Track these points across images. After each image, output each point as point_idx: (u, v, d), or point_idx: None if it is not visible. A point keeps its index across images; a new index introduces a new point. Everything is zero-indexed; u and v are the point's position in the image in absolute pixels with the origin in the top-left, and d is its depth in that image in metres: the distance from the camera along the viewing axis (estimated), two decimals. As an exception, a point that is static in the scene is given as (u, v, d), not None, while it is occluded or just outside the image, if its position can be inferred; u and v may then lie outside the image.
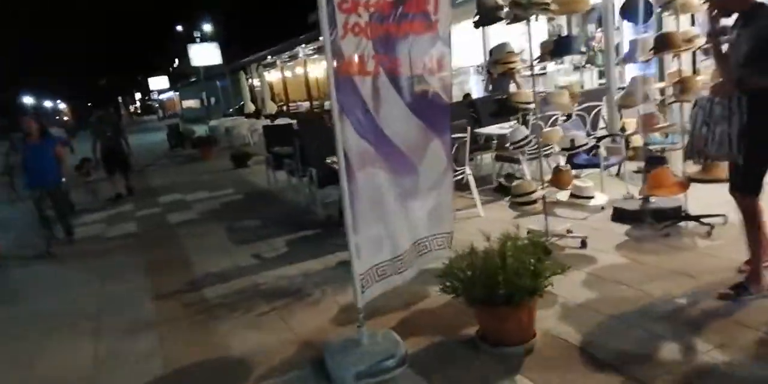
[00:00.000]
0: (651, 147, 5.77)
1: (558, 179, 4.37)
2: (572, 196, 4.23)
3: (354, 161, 2.85)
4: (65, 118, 57.90)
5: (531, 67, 4.17)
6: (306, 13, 23.40)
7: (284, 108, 21.57)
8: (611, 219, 4.87)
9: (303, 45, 17.67)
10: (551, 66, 11.97)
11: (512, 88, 9.24)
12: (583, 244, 4.31)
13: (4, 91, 40.61)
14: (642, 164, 5.79)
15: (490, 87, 9.03)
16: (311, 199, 6.80)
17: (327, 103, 17.78)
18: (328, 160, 5.93)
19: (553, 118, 6.05)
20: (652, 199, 4.87)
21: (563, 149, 4.25)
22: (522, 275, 2.72)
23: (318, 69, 20.13)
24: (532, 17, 4.06)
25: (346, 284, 4.15)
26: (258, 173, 10.20)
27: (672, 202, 4.68)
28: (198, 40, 26.92)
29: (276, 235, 5.86)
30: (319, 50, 17.21)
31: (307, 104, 20.36)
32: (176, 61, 50.55)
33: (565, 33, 11.27)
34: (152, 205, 8.85)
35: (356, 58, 2.83)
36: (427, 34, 3.09)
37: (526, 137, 4.16)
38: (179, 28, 35.32)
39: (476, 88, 12.82)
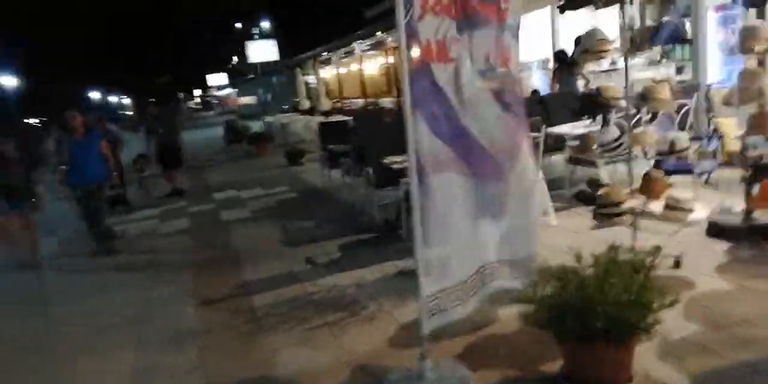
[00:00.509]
0: (751, 153, 5.11)
1: (649, 187, 3.83)
2: (667, 207, 3.69)
3: (427, 163, 2.45)
4: (129, 113, 60.10)
5: (625, 57, 3.66)
6: (363, 8, 23.22)
7: (338, 105, 21.41)
8: (706, 234, 4.27)
9: (359, 41, 17.39)
10: (623, 61, 11.23)
11: (580, 84, 8.65)
12: (677, 264, 3.76)
13: (69, 85, 42.20)
14: (741, 172, 5.16)
15: (557, 84, 8.43)
16: (367, 201, 6.45)
17: (382, 101, 17.48)
18: (386, 160, 5.57)
19: (638, 117, 5.45)
20: (756, 214, 4.25)
21: (661, 153, 3.71)
22: (626, 307, 2.26)
23: (373, 66, 19.81)
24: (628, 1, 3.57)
25: (406, 298, 3.77)
26: (312, 171, 9.95)
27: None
28: (256, 37, 27.20)
29: (330, 238, 5.55)
30: (376, 46, 16.91)
31: (361, 101, 20.10)
32: (235, 58, 51.56)
33: (637, 24, 10.50)
34: (207, 201, 8.74)
35: (435, 43, 2.43)
36: (495, 22, 2.66)
37: (618, 138, 3.66)
38: (238, 25, 35.87)
39: (540, 85, 12.18)
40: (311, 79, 22.41)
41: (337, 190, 7.81)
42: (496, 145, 2.66)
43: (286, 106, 25.54)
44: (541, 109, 6.96)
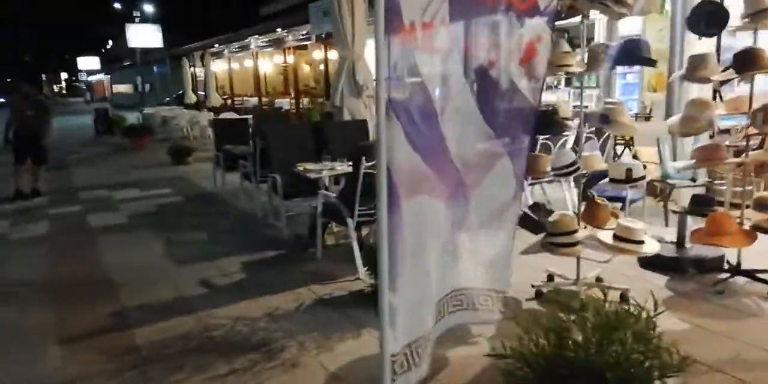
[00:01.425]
0: (670, 181, 5.16)
1: (593, 215, 3.57)
2: (617, 238, 3.43)
3: (401, 184, 1.89)
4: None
5: (581, 76, 3.38)
6: (258, 4, 22.07)
7: (229, 101, 20.13)
8: (640, 265, 4.14)
9: (256, 36, 16.37)
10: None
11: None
12: (624, 298, 3.54)
13: None
14: (662, 202, 5.19)
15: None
16: (271, 211, 5.72)
17: (279, 101, 16.60)
18: (300, 167, 4.92)
19: (563, 139, 5.31)
20: (688, 245, 4.20)
21: (615, 181, 3.46)
22: (638, 371, 1.85)
23: (270, 64, 18.87)
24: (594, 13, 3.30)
25: (331, 335, 3.17)
26: (200, 172, 8.93)
27: (712, 250, 4.02)
28: (137, 20, 24.86)
29: (228, 255, 4.75)
30: (274, 43, 16.01)
31: (254, 100, 19.03)
32: (110, 42, 47.37)
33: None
34: (71, 202, 7.40)
35: (421, 26, 1.89)
36: (504, 9, 2.20)
37: (574, 163, 3.34)
38: (117, 5, 32.77)
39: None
40: (200, 71, 20.85)
41: (233, 196, 6.95)
42: (464, 161, 2.17)
43: (168, 99, 23.62)
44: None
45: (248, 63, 19.03)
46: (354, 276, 4.09)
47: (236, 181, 6.81)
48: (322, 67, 14.83)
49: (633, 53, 3.22)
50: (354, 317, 3.44)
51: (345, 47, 5.37)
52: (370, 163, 3.91)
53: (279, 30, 13.93)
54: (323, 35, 11.43)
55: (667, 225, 5.06)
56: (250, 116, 9.30)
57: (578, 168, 3.34)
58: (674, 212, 4.12)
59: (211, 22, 21.99)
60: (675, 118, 3.73)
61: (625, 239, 3.40)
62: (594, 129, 5.26)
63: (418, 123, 1.92)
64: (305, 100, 15.46)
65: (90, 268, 4.64)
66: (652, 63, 3.29)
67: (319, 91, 15.72)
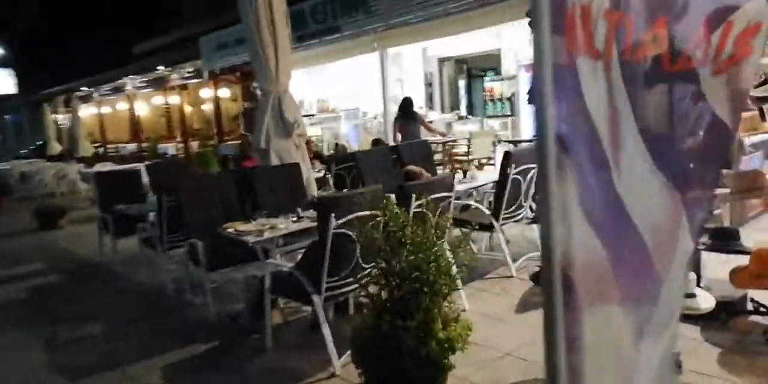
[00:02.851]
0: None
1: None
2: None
3: (580, 287, 1.04)
4: None
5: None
6: (130, 42, 20.32)
7: (101, 150, 18.02)
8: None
9: (132, 76, 14.78)
10: (434, 114, 11.10)
11: (424, 133, 8.01)
12: (677, 365, 2.88)
13: None
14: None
15: (399, 134, 7.64)
16: (188, 284, 4.52)
17: (163, 147, 14.97)
18: (230, 230, 3.84)
19: (532, 172, 4.71)
20: (703, 285, 3.69)
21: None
22: None
23: (147, 106, 17.17)
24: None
25: None
26: (78, 238, 7.34)
27: (733, 291, 3.53)
28: (-16, 63, 21.92)
29: (141, 356, 3.50)
30: (152, 83, 14.52)
31: (131, 146, 17.13)
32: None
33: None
34: None
35: (580, 9, 1.07)
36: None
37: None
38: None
39: (353, 136, 11.37)
40: (64, 117, 18.56)
41: (130, 266, 5.56)
42: (652, 235, 1.33)
43: (26, 151, 20.89)
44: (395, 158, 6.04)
45: (122, 106, 17.21)
46: (326, 371, 3.09)
47: (129, 246, 5.48)
48: (208, 106, 13.60)
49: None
50: (353, 443, 2.44)
51: (269, 80, 4.45)
52: (341, 221, 2.99)
53: (161, 68, 12.56)
54: (217, 71, 10.36)
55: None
56: (138, 166, 7.89)
57: None
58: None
59: (75, 62, 19.78)
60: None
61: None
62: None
63: (593, 179, 1.10)
64: (195, 144, 14.05)
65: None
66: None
67: (209, 132, 14.41)
